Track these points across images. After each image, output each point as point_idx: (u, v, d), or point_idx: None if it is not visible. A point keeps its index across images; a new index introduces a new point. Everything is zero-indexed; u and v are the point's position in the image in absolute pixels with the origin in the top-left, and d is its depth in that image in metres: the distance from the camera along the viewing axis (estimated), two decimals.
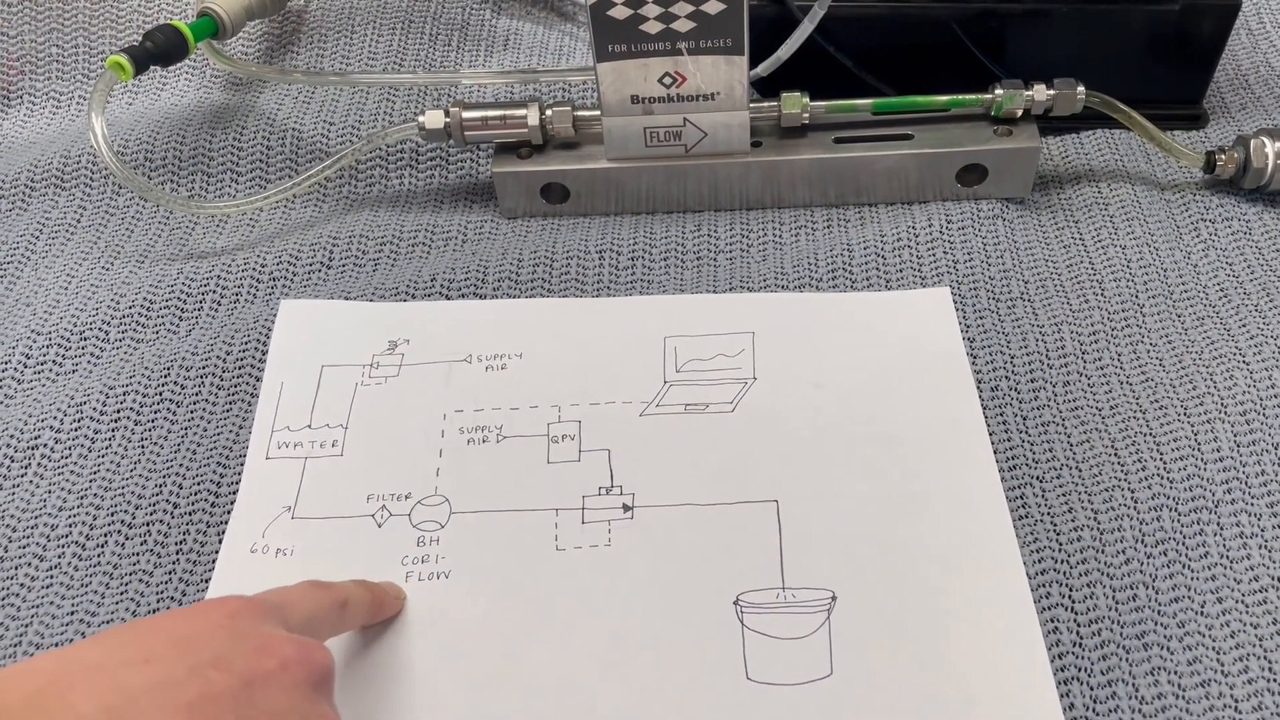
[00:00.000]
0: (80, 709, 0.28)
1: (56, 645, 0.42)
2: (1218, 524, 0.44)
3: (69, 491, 0.47)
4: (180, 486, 0.47)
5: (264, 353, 0.52)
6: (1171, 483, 0.45)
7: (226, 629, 0.32)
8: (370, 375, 0.51)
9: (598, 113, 0.56)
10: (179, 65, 0.65)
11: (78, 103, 0.69)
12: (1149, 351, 0.51)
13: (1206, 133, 0.63)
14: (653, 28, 0.52)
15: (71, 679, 0.29)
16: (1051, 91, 0.56)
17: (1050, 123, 0.59)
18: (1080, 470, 0.46)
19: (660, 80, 0.54)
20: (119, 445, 0.49)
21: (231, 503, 0.47)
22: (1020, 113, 0.57)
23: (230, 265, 0.58)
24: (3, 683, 0.28)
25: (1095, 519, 0.44)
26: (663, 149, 0.57)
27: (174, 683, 0.29)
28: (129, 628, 0.32)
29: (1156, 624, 0.41)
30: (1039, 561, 0.43)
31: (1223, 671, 0.40)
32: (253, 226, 0.61)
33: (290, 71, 0.67)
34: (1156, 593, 0.42)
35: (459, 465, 0.47)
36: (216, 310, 0.56)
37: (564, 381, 0.50)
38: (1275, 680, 0.39)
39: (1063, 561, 0.43)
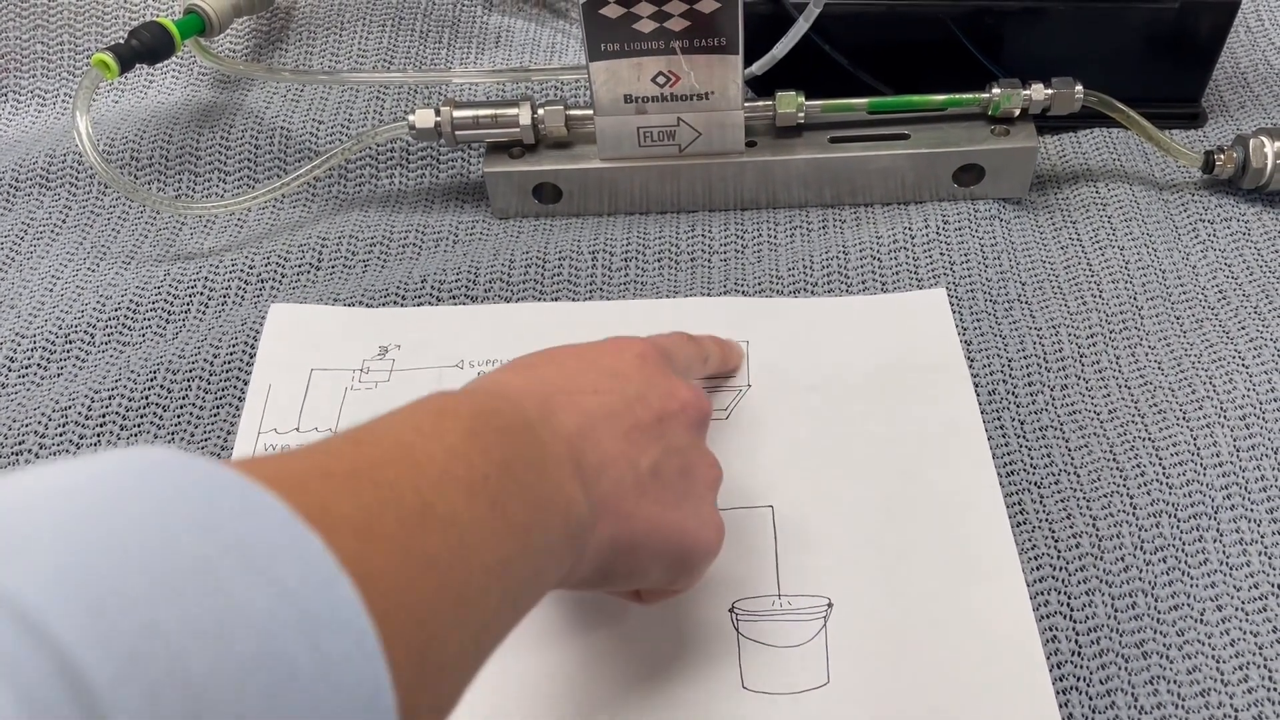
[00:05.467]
0: (567, 427, 0.32)
1: None
2: (1217, 530, 0.43)
3: None
4: None
5: (252, 356, 0.52)
6: (1171, 488, 0.45)
7: (640, 369, 0.36)
8: (360, 380, 0.50)
9: (590, 112, 0.56)
10: (165, 63, 0.64)
11: (63, 101, 0.68)
12: (1147, 354, 0.50)
13: (1205, 132, 0.62)
14: (646, 26, 0.51)
15: (556, 403, 0.32)
16: (1049, 90, 0.55)
17: (1048, 122, 0.58)
18: (1079, 475, 0.46)
19: (654, 79, 0.53)
20: (105, 451, 0.48)
21: None
22: (1018, 112, 0.56)
23: (218, 266, 0.57)
24: (515, 401, 0.32)
25: (1094, 525, 0.44)
26: (656, 149, 0.57)
27: (616, 412, 0.34)
28: (562, 358, 0.36)
29: (1156, 632, 0.41)
30: (1037, 569, 0.42)
31: (1222, 680, 0.39)
32: (240, 227, 0.60)
33: (278, 69, 0.66)
34: (1156, 600, 0.42)
35: None
36: (204, 312, 0.55)
37: None
38: (1275, 689, 0.39)
39: (1061, 569, 0.43)
